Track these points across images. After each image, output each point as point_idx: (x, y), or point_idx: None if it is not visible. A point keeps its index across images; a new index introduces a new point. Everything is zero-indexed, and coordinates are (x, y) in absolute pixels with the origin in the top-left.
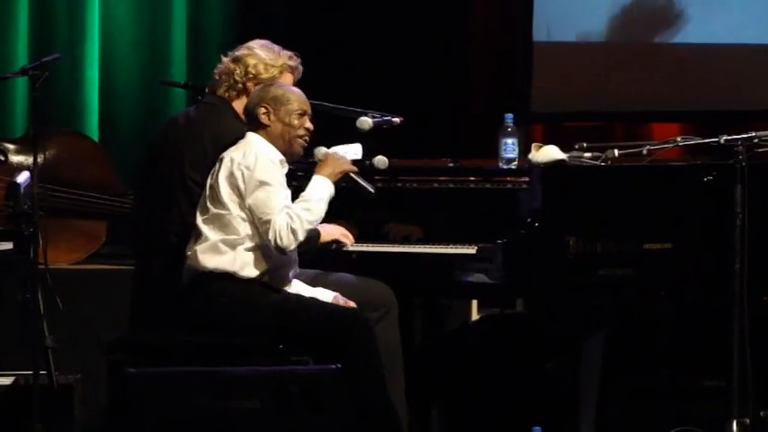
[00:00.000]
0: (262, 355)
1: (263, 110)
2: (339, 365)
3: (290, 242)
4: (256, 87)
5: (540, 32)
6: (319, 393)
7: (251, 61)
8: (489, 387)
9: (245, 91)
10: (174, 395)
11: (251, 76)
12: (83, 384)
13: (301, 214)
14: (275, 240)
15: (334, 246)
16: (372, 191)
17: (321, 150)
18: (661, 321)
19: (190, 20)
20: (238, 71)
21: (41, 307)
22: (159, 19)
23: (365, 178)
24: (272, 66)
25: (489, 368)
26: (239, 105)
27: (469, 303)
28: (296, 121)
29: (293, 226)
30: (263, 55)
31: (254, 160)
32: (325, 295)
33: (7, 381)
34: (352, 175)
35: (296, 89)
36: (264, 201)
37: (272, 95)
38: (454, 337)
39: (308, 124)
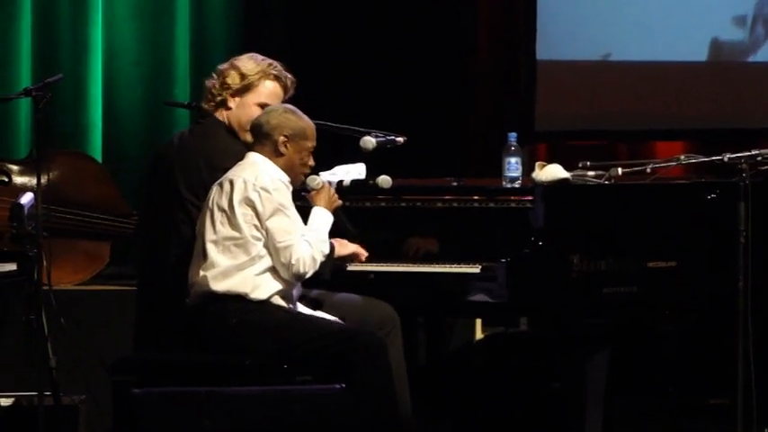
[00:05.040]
0: (266, 375)
1: (282, 138)
2: (343, 385)
3: (309, 270)
4: (273, 108)
5: (543, 51)
6: (323, 413)
7: (228, 73)
8: (494, 406)
9: (223, 103)
10: (179, 415)
11: (226, 86)
12: (87, 405)
13: (318, 245)
14: (297, 267)
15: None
16: (353, 231)
17: (316, 179)
18: (665, 340)
19: (193, 40)
20: (217, 85)
21: (45, 328)
22: (162, 39)
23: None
24: (249, 75)
25: (494, 387)
26: (222, 117)
27: (473, 322)
28: (306, 158)
29: (314, 256)
30: (241, 66)
31: (270, 182)
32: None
33: (11, 401)
34: (339, 211)
35: (311, 123)
36: (284, 226)
37: (294, 127)
38: (458, 356)
39: (312, 161)
